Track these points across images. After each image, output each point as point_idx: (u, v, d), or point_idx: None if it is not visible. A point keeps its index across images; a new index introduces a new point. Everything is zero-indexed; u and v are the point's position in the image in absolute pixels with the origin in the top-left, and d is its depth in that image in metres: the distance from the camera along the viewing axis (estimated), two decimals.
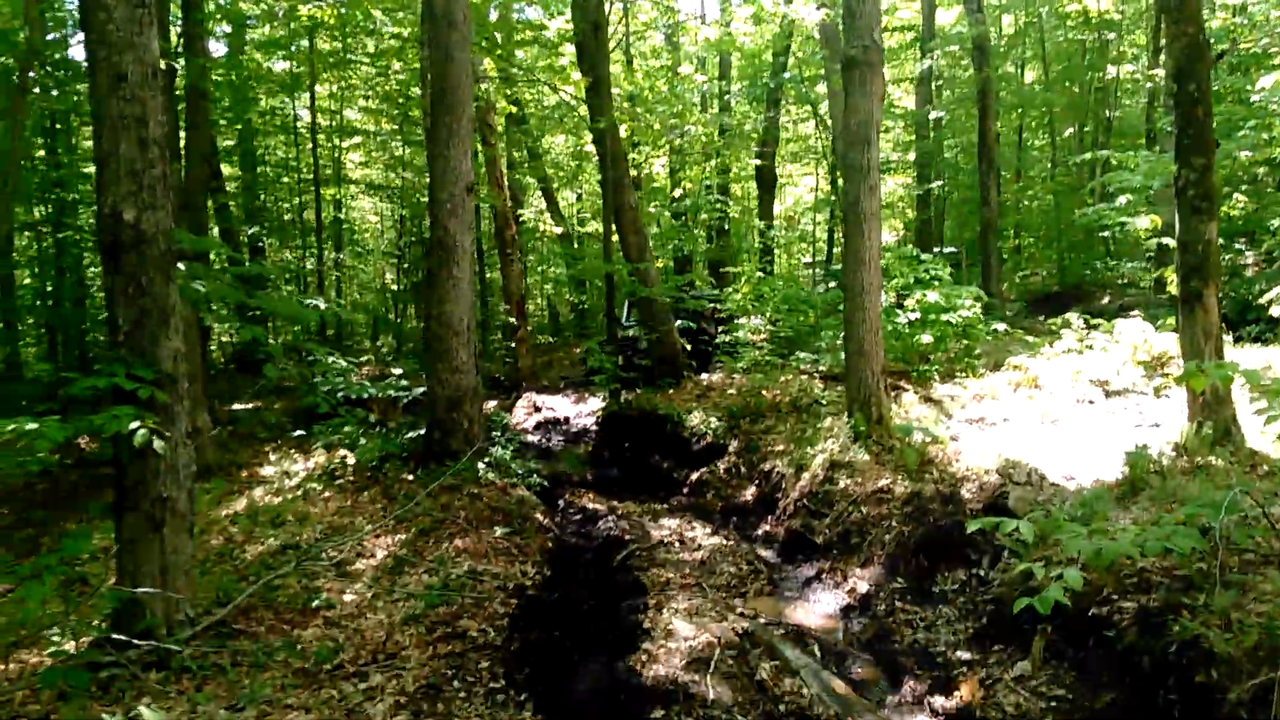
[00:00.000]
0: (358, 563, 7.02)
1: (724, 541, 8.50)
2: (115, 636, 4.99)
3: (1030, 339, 13.37)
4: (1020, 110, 27.58)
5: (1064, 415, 9.63)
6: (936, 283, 12.97)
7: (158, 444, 5.02)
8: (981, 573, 6.48)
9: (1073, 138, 27.02)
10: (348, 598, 6.31)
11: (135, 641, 4.94)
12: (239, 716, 4.48)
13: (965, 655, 5.57)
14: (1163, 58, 18.43)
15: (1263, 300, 12.19)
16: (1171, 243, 8.11)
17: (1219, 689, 4.06)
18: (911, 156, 27.27)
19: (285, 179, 22.37)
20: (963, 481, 7.73)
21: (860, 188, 9.61)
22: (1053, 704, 4.77)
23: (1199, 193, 7.51)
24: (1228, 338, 10.53)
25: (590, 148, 19.28)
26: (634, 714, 5.03)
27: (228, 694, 4.78)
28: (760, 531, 9.00)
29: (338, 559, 6.91)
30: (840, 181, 16.97)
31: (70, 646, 5.17)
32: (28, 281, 18.81)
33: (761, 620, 6.47)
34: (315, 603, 6.11)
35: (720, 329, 15.61)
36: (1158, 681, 4.38)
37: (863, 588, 7.04)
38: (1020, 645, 5.38)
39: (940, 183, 24.47)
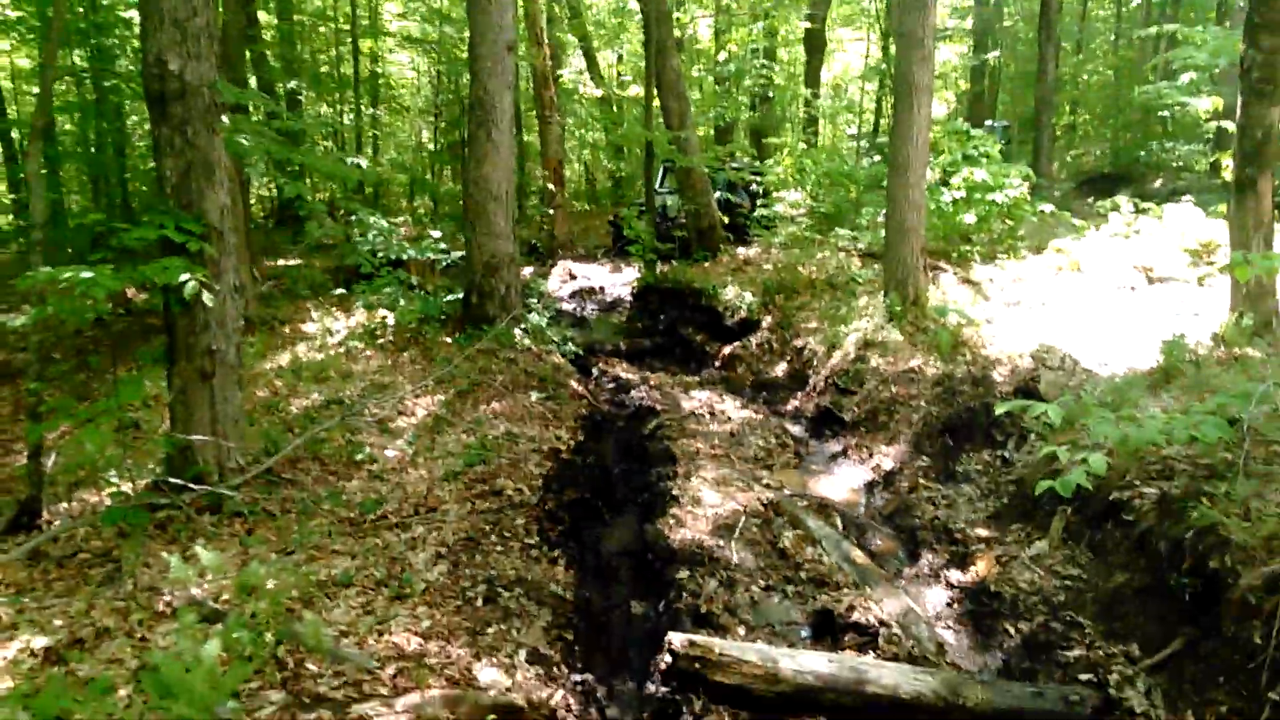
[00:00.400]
0: (399, 420, 7.26)
1: (753, 415, 8.66)
2: (170, 480, 5.26)
3: (1077, 221, 13.10)
4: None
5: (1104, 301, 9.55)
6: (985, 160, 12.63)
7: (206, 297, 5.16)
8: (1006, 454, 6.59)
9: (1139, 9, 25.61)
10: (390, 453, 6.56)
11: (190, 486, 5.21)
12: (289, 559, 4.75)
13: (984, 533, 5.73)
14: None
15: None
16: (1231, 126, 7.84)
17: (1232, 574, 4.17)
18: (969, 24, 26.09)
19: (322, 29, 21.87)
20: (995, 364, 7.77)
21: (913, 57, 9.28)
22: (1066, 583, 4.94)
23: (1264, 75, 7.21)
24: None
25: (633, 4, 18.62)
26: (660, 573, 5.28)
27: (278, 538, 5.07)
28: (790, 407, 9.14)
29: (380, 416, 7.15)
30: (892, 49, 16.36)
31: (128, 488, 5.47)
32: (69, 128, 18.81)
33: (786, 492, 6.67)
34: (359, 456, 6.36)
35: (759, 202, 15.40)
36: (1172, 565, 4.50)
37: (887, 464, 7.20)
38: (1039, 526, 5.52)
39: (997, 53, 23.44)
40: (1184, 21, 19.29)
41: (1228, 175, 8.02)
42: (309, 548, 4.93)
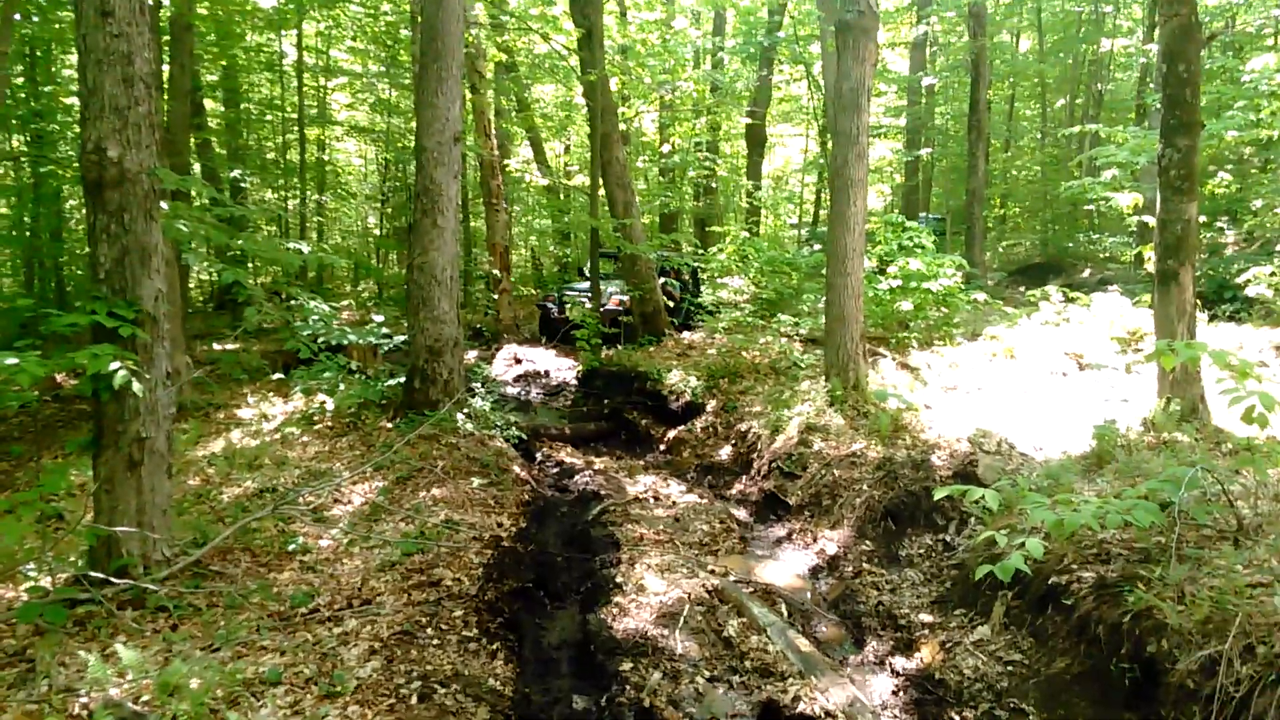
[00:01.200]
0: (335, 508, 7.08)
1: (698, 499, 8.62)
2: (92, 574, 5.04)
3: (1009, 309, 13.52)
4: (1013, 80, 27.53)
5: (1037, 386, 9.78)
6: (920, 250, 13.04)
7: (136, 385, 5.02)
8: (947, 538, 6.63)
9: (1064, 109, 27.00)
10: (324, 543, 6.37)
11: (112, 580, 5.00)
12: (214, 657, 4.54)
13: (928, 618, 5.72)
14: (1157, 33, 18.40)
15: (1240, 280, 12.37)
16: (1152, 220, 8.19)
17: (1169, 659, 4.20)
18: (902, 122, 27.21)
19: (269, 118, 22.01)
20: (934, 448, 7.87)
21: (848, 153, 9.61)
22: (1009, 668, 4.92)
23: (1181, 173, 7.59)
24: (1203, 315, 10.71)
25: (580, 99, 19.09)
26: (603, 665, 5.15)
27: (203, 634, 4.85)
28: (734, 491, 9.13)
29: (315, 504, 6.96)
30: (830, 146, 16.95)
31: (47, 583, 5.21)
32: (4, 212, 18.53)
33: (731, 578, 6.61)
34: (292, 547, 6.17)
35: (686, 294, 15.73)
36: (1111, 650, 4.51)
37: (831, 549, 7.18)
38: (981, 610, 5.53)
39: (930, 150, 24.42)
40: (1105, 121, 20.37)
41: (1151, 267, 8.35)
42: (236, 644, 4.72)
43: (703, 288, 16.01)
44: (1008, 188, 28.52)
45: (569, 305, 15.57)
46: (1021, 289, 17.83)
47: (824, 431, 8.80)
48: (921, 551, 6.64)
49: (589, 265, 17.00)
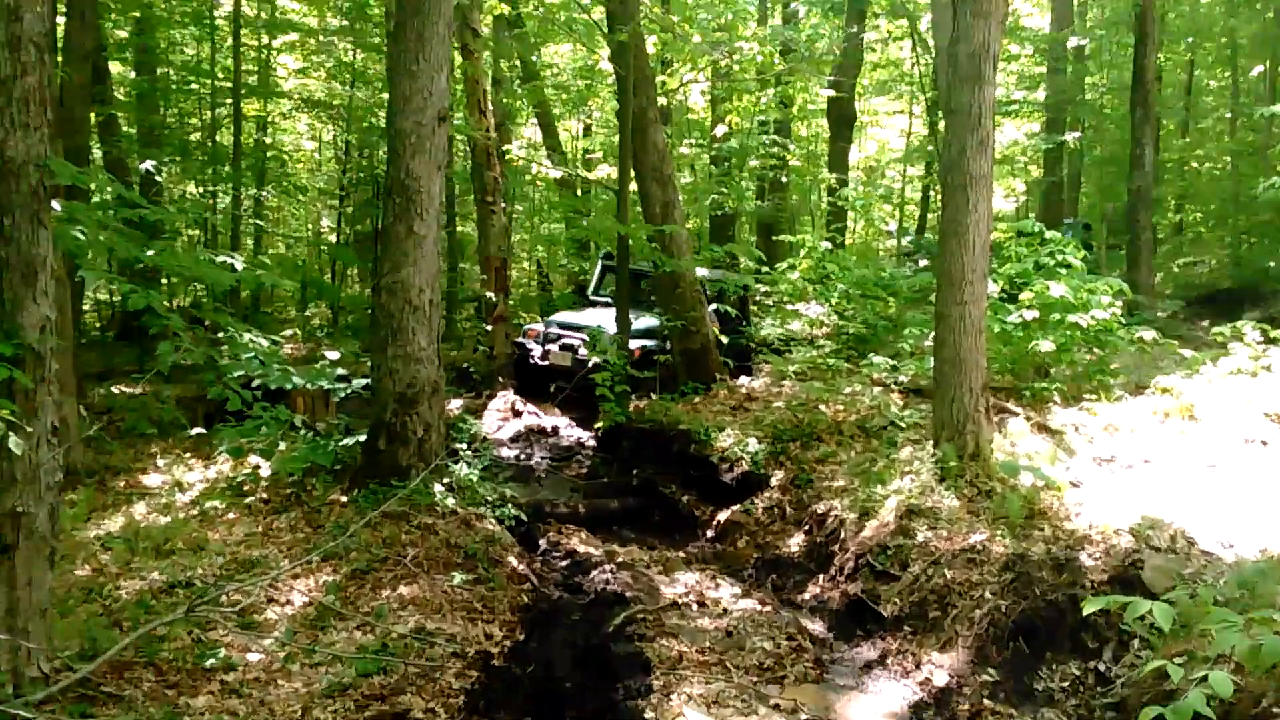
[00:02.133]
0: (269, 610, 7.15)
1: (758, 606, 8.61)
2: None
3: (1187, 353, 13.38)
4: (1192, 40, 27.51)
5: (1226, 458, 9.67)
6: (1064, 271, 12.99)
7: (13, 443, 5.11)
8: (1102, 667, 6.56)
9: (1261, 79, 26.89)
10: (253, 657, 6.43)
11: None
12: None
13: None
14: None
15: None
16: None
17: None
18: (1041, 96, 27.24)
19: (194, 86, 22.40)
20: (1083, 543, 7.81)
21: (966, 140, 9.64)
22: None
23: None
24: None
25: (606, 64, 19.37)
26: None
27: None
28: (807, 595, 9.11)
29: (243, 605, 7.02)
30: (941, 127, 16.99)
31: None
32: None
33: (804, 716, 6.57)
34: (211, 661, 6.23)
35: (745, 327, 15.79)
36: None
37: (941, 678, 7.12)
38: None
39: (1078, 134, 24.41)
40: None
41: None
42: None
43: (770, 318, 16.05)
44: (1185, 186, 28.41)
45: (579, 348, 14.97)
46: (1204, 324, 17.70)
47: (931, 516, 8.76)
48: (1065, 685, 6.57)
49: (593, 286, 17.04)
